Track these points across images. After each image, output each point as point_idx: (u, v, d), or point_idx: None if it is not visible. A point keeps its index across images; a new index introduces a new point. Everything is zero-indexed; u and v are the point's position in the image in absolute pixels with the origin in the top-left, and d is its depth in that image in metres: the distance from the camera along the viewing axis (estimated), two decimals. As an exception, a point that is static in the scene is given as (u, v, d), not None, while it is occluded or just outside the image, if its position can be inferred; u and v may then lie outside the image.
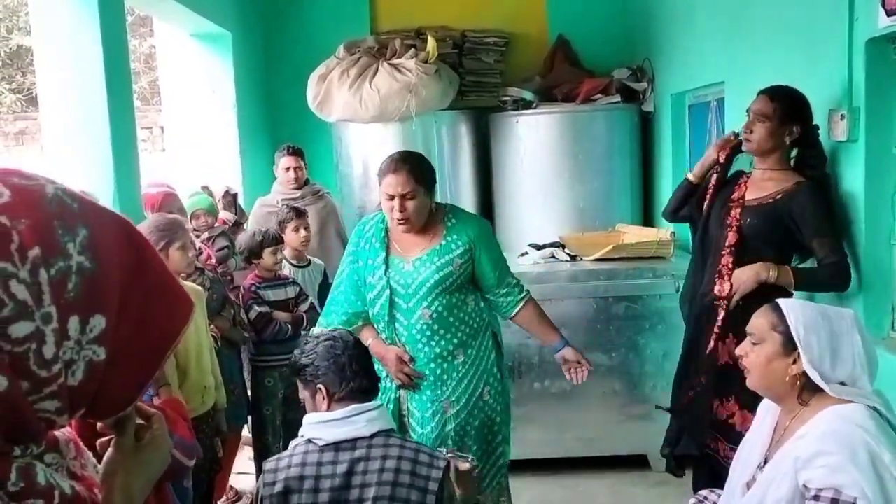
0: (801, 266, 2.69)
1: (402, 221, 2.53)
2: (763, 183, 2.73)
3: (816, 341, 1.76)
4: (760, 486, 1.82)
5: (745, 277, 2.62)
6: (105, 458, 0.97)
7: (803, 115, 2.67)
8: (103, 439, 1.00)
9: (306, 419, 1.84)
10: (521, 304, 2.70)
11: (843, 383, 1.77)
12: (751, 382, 1.90)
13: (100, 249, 0.81)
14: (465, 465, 2.02)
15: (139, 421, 1.00)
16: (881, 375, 1.82)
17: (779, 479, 1.74)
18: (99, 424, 0.99)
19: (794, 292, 2.63)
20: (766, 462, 1.89)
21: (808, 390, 1.80)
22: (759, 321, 1.87)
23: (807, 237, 2.59)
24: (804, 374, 1.77)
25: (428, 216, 2.61)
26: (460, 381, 2.62)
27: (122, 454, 0.96)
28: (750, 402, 2.67)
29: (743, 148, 2.79)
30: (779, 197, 2.65)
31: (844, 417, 1.69)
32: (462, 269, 2.59)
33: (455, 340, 2.60)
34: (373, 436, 1.75)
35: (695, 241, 3.01)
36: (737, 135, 2.87)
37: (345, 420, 1.76)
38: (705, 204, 2.90)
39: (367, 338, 2.59)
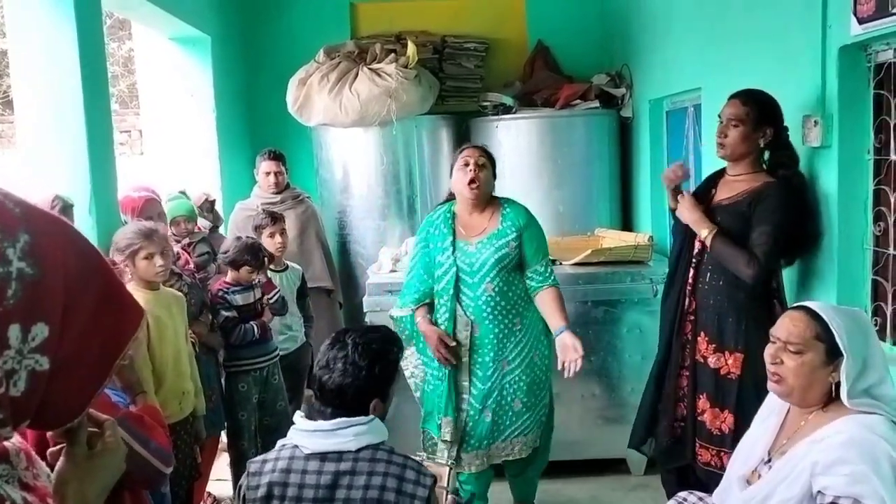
0: (729, 243, 2.65)
1: (473, 185, 3.04)
2: (734, 184, 2.76)
3: (857, 350, 1.76)
4: (768, 482, 1.81)
5: (686, 218, 2.78)
6: (57, 468, 0.94)
7: (775, 117, 2.70)
8: (53, 449, 0.98)
9: (296, 421, 1.81)
10: (542, 289, 3.10)
11: (866, 391, 1.76)
12: (782, 389, 1.85)
13: (43, 256, 0.79)
14: (444, 471, 2.01)
15: (91, 428, 0.98)
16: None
17: (790, 479, 1.74)
18: (49, 433, 0.97)
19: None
20: (769, 458, 1.89)
21: (832, 395, 1.81)
22: (799, 329, 1.83)
23: (753, 226, 2.61)
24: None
25: (488, 199, 3.14)
26: (517, 345, 3.09)
27: (74, 463, 0.94)
28: (720, 400, 2.73)
29: (717, 154, 2.81)
30: (745, 196, 2.68)
31: (868, 427, 1.69)
32: (515, 251, 3.08)
33: (514, 311, 3.08)
34: (359, 450, 1.73)
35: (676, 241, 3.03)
36: (681, 166, 3.00)
37: (332, 432, 1.74)
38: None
39: (419, 318, 3.13)
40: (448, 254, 3.09)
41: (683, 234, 2.91)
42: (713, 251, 2.68)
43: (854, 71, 2.60)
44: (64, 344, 0.81)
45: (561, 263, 4.08)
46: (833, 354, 1.78)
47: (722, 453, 2.69)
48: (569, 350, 2.94)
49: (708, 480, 2.72)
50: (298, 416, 1.81)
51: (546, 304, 3.08)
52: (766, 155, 2.77)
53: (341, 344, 1.81)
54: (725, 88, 3.31)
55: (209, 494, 3.73)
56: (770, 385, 1.90)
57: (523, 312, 3.11)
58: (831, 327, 1.78)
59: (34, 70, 3.14)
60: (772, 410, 1.98)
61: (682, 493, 2.31)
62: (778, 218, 2.59)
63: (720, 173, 2.89)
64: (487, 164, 3.11)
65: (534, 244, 3.11)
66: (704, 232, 2.68)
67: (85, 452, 0.96)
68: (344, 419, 1.75)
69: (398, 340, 1.93)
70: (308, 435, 1.76)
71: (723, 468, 2.63)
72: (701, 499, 2.20)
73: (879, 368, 1.78)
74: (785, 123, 2.72)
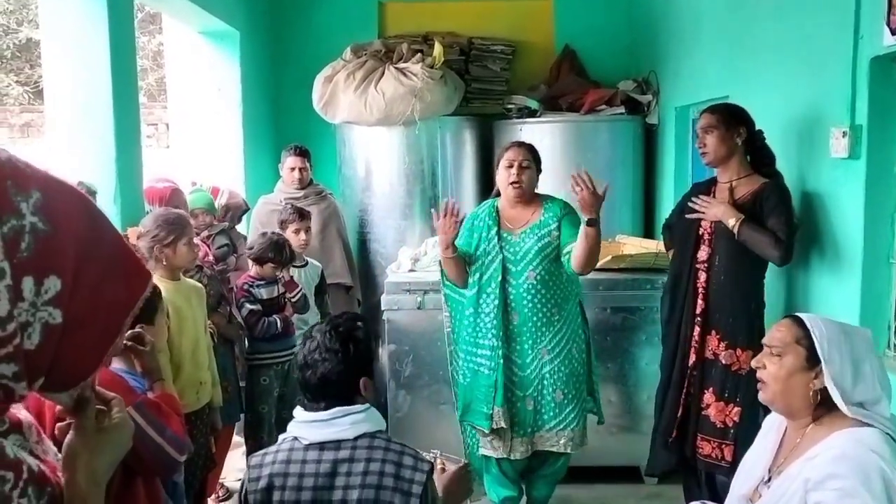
0: (756, 229, 2.82)
1: (516, 185, 3.16)
2: (735, 189, 2.92)
3: (839, 358, 1.73)
4: (766, 502, 1.80)
5: (714, 214, 2.88)
6: (66, 442, 0.97)
7: (745, 118, 2.92)
8: (62, 424, 1.01)
9: (295, 415, 1.83)
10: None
11: (860, 405, 1.73)
12: (765, 395, 1.87)
13: (54, 214, 0.83)
14: (451, 467, 2.01)
15: (99, 406, 1.01)
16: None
17: (786, 497, 1.72)
18: (58, 408, 1.00)
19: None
20: (769, 477, 1.88)
21: (822, 408, 1.77)
22: (781, 333, 1.84)
23: (766, 217, 2.81)
24: (824, 389, 1.75)
25: (532, 196, 3.23)
26: (556, 334, 3.16)
27: (83, 436, 0.97)
28: (728, 394, 2.88)
29: (703, 162, 3.05)
30: (750, 197, 2.86)
31: (860, 442, 1.67)
32: (557, 240, 3.16)
33: (553, 300, 3.16)
34: (356, 438, 1.74)
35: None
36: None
37: (329, 422, 1.75)
38: (675, 214, 3.20)
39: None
40: (494, 243, 3.19)
41: (684, 243, 3.04)
42: (742, 237, 2.82)
43: (885, 82, 2.56)
44: (75, 300, 0.84)
45: (581, 268, 4.06)
46: (814, 360, 1.76)
47: (723, 445, 2.87)
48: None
49: (708, 472, 2.94)
50: (298, 409, 1.83)
51: (577, 248, 3.05)
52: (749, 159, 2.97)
53: (311, 339, 1.83)
54: (753, 97, 3.29)
55: (222, 485, 3.76)
56: (759, 394, 1.90)
57: (562, 304, 3.19)
58: (812, 333, 1.77)
59: (65, 61, 3.19)
60: (770, 428, 1.97)
61: (695, 504, 2.30)
62: (786, 208, 2.81)
63: (712, 182, 3.05)
64: (531, 163, 3.20)
65: (571, 228, 3.15)
66: (732, 220, 2.83)
67: (94, 427, 0.98)
68: (340, 408, 1.76)
69: (363, 318, 1.95)
70: (306, 426, 1.78)
71: (723, 459, 2.85)
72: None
73: (876, 388, 1.74)
74: (758, 127, 2.95)
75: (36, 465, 0.88)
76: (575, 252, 3.04)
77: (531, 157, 3.21)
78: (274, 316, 3.58)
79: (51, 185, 0.85)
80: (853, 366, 1.73)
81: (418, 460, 1.75)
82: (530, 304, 3.15)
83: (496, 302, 3.15)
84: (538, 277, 3.14)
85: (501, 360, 3.13)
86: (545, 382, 3.17)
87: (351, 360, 1.79)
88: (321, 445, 1.74)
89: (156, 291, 2.31)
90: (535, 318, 3.15)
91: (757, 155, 2.95)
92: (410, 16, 5.57)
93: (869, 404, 1.74)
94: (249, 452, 3.64)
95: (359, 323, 1.88)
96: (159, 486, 1.70)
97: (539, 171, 3.26)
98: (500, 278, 3.15)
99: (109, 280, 0.89)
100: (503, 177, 3.20)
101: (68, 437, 0.97)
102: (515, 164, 3.17)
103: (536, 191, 3.28)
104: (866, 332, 1.81)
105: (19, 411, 0.95)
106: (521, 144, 3.28)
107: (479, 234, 3.24)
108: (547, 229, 3.17)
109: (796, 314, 1.89)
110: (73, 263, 0.84)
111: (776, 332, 1.86)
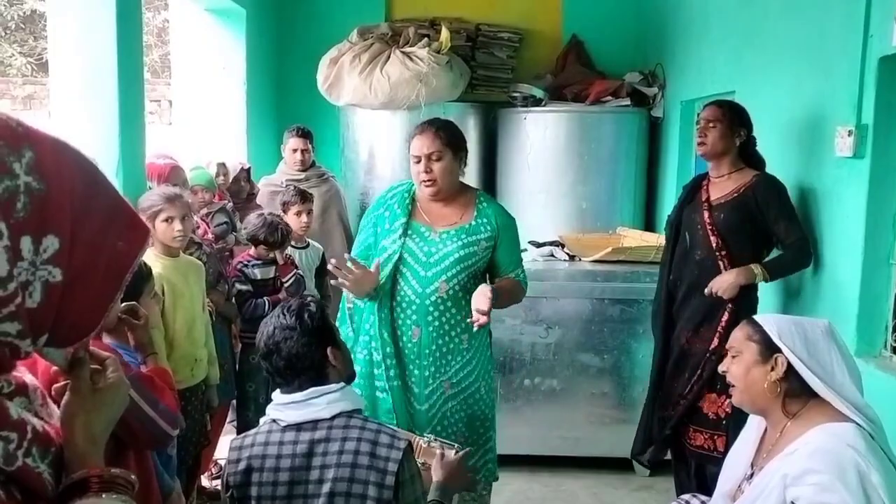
0: (768, 259, 2.90)
1: (428, 184, 2.54)
2: (723, 184, 2.96)
3: (794, 344, 1.77)
4: (747, 498, 1.81)
5: (735, 283, 2.83)
6: (63, 402, 0.99)
7: (747, 122, 2.95)
8: (58, 385, 1.02)
9: (273, 398, 1.83)
10: (506, 277, 2.64)
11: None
12: (736, 398, 1.90)
13: (48, 171, 0.82)
14: (451, 453, 2.01)
15: (94, 366, 1.02)
16: (872, 393, 1.82)
17: (765, 494, 1.74)
18: (53, 369, 1.01)
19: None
20: (752, 474, 1.89)
21: (792, 399, 1.78)
22: (736, 335, 1.90)
23: (770, 221, 2.84)
24: (784, 379, 1.77)
25: (459, 190, 2.64)
26: (463, 367, 2.60)
27: (79, 396, 0.99)
28: (721, 386, 2.90)
29: (698, 153, 3.07)
30: (742, 190, 2.89)
31: (836, 436, 1.68)
32: (484, 253, 2.59)
33: (463, 324, 2.56)
34: (333, 417, 1.74)
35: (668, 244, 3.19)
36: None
37: (305, 402, 1.75)
38: (675, 212, 3.16)
39: None
40: (395, 237, 2.56)
41: (675, 237, 3.05)
42: (774, 278, 2.88)
43: (893, 82, 2.56)
44: (75, 257, 0.85)
45: (580, 260, 4.07)
46: (767, 352, 1.79)
47: (716, 436, 2.90)
48: (479, 295, 2.43)
49: (700, 462, 2.97)
50: (276, 393, 1.83)
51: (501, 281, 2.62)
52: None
53: (266, 325, 1.83)
54: (760, 93, 3.28)
55: (215, 463, 3.77)
56: (732, 398, 1.94)
57: (472, 331, 2.56)
58: (763, 327, 1.81)
59: (71, 34, 3.17)
60: (751, 425, 1.99)
61: (685, 496, 2.30)
62: (788, 206, 2.85)
63: (703, 177, 3.08)
64: (445, 149, 2.54)
65: (510, 251, 2.64)
66: (758, 269, 2.84)
67: (89, 387, 1.00)
68: (316, 388, 1.76)
69: (314, 299, 1.90)
70: (283, 408, 1.78)
71: (715, 450, 2.88)
72: (704, 503, 2.19)
73: (843, 376, 1.75)
74: (753, 133, 2.97)
75: (41, 426, 0.90)
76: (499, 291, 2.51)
77: (443, 145, 2.53)
78: (264, 298, 3.57)
79: (44, 143, 0.84)
80: (808, 352, 1.76)
81: (395, 438, 1.74)
82: (436, 323, 2.54)
83: (385, 310, 2.56)
84: (449, 292, 2.53)
85: (395, 382, 2.56)
86: (445, 423, 2.58)
87: (311, 331, 1.79)
88: (298, 426, 1.74)
89: (144, 272, 2.29)
90: (440, 342, 2.55)
91: (748, 160, 2.98)
92: (418, 0, 5.54)
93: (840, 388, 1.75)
94: (238, 430, 3.65)
95: (309, 299, 1.89)
96: (150, 460, 1.71)
97: (461, 155, 2.60)
98: (391, 281, 2.55)
99: (108, 235, 0.89)
100: (413, 171, 2.58)
101: (65, 397, 0.99)
102: (423, 158, 2.54)
103: (462, 180, 2.68)
104: (822, 323, 1.83)
105: (25, 375, 0.96)
106: (428, 127, 2.58)
107: (381, 224, 2.65)
108: (476, 237, 2.57)
109: (753, 316, 1.93)
110: (70, 221, 0.84)
111: (732, 335, 1.92)
